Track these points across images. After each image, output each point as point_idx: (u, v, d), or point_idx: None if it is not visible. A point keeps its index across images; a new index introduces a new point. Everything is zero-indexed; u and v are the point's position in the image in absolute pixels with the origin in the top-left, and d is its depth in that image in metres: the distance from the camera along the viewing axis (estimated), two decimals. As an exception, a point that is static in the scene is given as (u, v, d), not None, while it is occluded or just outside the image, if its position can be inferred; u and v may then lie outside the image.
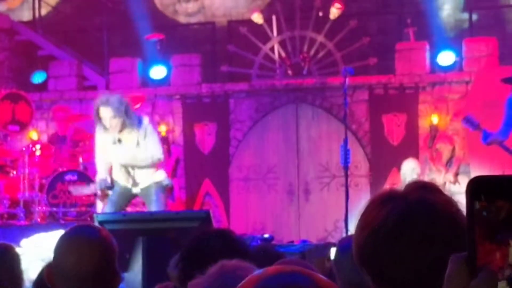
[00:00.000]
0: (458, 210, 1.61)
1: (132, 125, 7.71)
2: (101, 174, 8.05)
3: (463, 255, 1.04)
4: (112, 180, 8.00)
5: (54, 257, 2.69)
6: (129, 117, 7.65)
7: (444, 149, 10.41)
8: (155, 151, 7.86)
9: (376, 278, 1.63)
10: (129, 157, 7.83)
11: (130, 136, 7.79)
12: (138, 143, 7.80)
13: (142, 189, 8.00)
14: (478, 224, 1.01)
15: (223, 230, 3.54)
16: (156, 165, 7.95)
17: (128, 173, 7.94)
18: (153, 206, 7.89)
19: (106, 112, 7.61)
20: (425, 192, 1.65)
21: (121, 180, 7.98)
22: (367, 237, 1.63)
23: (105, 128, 7.73)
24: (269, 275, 1.28)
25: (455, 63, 11.49)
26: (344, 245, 3.09)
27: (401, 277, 1.59)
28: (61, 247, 2.69)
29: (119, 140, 7.81)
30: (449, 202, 1.64)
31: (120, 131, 7.72)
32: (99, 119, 7.71)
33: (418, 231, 1.59)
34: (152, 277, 5.73)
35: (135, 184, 7.99)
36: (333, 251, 3.64)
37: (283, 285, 1.26)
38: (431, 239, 1.58)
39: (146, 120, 7.92)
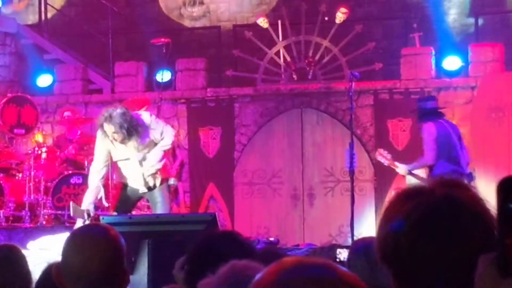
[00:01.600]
0: (485, 207, 1.59)
1: (137, 136, 7.74)
2: (88, 197, 7.82)
3: (492, 256, 1.01)
4: (98, 202, 7.94)
5: (62, 257, 2.65)
6: (133, 132, 7.68)
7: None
8: (166, 138, 7.88)
9: (397, 273, 1.60)
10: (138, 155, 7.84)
11: (134, 142, 7.82)
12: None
13: (148, 189, 7.98)
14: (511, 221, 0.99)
15: (229, 232, 3.54)
16: (163, 157, 7.97)
17: (139, 174, 7.93)
18: (159, 207, 7.88)
19: (109, 129, 7.66)
20: (452, 188, 1.62)
21: (132, 182, 7.97)
22: (391, 231, 1.59)
23: (107, 137, 7.79)
24: (290, 267, 1.22)
25: (460, 68, 11.48)
26: (357, 247, 3.09)
27: (423, 272, 1.56)
28: (69, 247, 2.66)
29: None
30: (477, 199, 1.61)
31: (124, 142, 7.76)
32: (103, 131, 7.76)
33: (443, 226, 1.56)
34: (158, 280, 5.73)
35: (144, 184, 7.97)
36: (340, 253, 3.65)
37: (306, 277, 1.21)
38: (457, 235, 1.55)
39: (147, 119, 7.88)
